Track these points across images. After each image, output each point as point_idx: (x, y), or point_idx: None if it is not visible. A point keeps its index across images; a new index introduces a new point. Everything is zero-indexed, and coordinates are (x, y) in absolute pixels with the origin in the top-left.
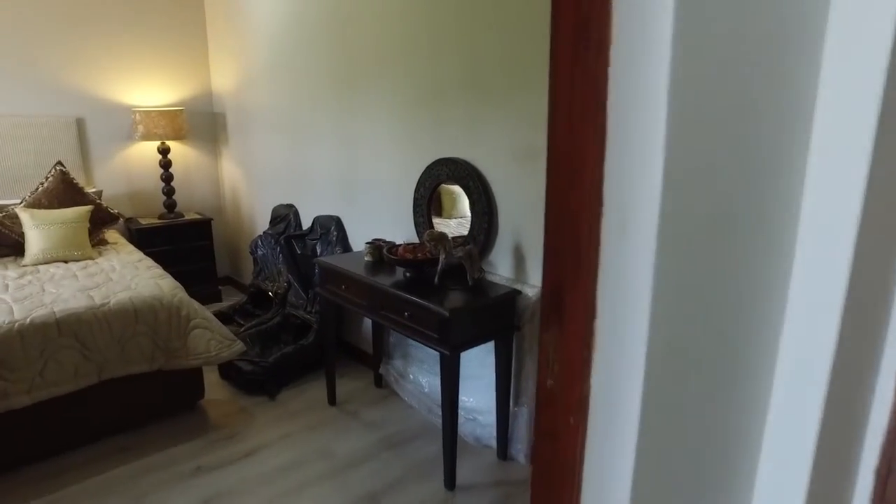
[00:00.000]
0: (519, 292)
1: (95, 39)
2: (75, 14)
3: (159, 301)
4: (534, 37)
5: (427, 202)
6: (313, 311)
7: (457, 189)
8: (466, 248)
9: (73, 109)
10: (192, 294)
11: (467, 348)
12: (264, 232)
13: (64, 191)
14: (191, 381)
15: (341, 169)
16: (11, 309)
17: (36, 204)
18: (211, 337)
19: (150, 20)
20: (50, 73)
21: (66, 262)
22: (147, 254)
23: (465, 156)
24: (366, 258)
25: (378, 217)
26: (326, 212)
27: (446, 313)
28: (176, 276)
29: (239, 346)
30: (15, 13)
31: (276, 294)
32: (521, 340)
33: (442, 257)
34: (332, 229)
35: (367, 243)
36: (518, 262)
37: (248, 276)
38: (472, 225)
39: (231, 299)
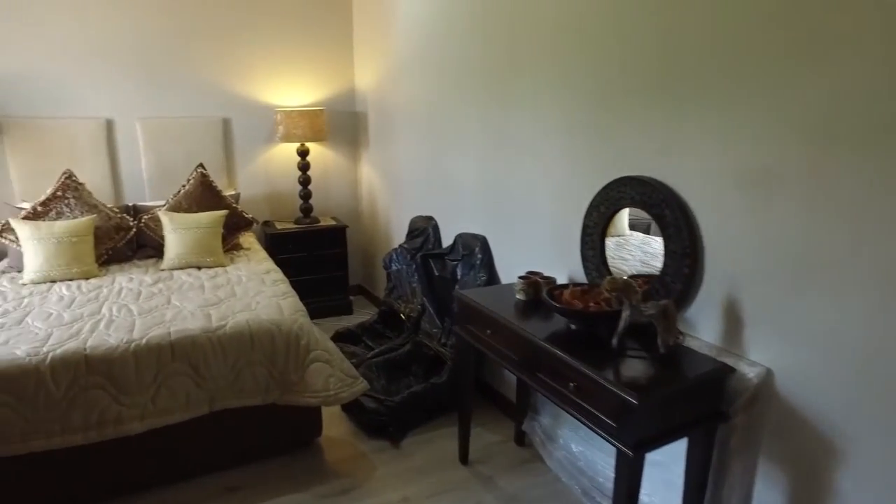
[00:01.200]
0: (732, 369)
1: (244, 39)
2: (226, 16)
3: (278, 327)
4: (768, 6)
5: (601, 232)
6: (449, 343)
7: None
8: (661, 305)
9: (220, 110)
10: (322, 304)
11: (656, 447)
12: (400, 245)
13: (202, 194)
14: (308, 416)
15: (491, 180)
16: (133, 325)
17: (176, 207)
18: (331, 373)
19: (298, 14)
20: (199, 74)
21: (199, 268)
22: (279, 260)
23: (661, 175)
24: (517, 295)
25: (534, 243)
26: (471, 229)
27: (632, 398)
28: (307, 284)
29: (361, 385)
30: (167, 18)
31: (408, 317)
32: (727, 434)
33: (626, 314)
34: (476, 251)
35: (521, 278)
36: (731, 325)
37: (380, 288)
38: (664, 268)
39: (362, 312)
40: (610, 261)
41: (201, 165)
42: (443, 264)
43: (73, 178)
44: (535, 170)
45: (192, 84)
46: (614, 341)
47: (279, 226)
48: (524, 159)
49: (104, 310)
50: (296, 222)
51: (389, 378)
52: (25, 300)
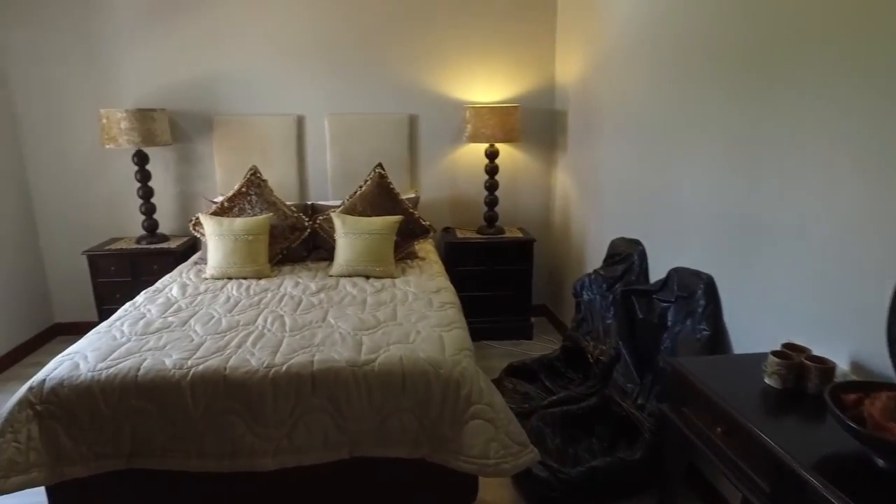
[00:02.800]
0: None
1: (436, 32)
2: (418, 9)
3: (436, 369)
4: None
5: None
6: (647, 404)
7: None
8: None
9: (408, 106)
10: (499, 325)
11: None
12: (595, 271)
13: (378, 196)
14: (462, 475)
15: (728, 202)
16: (280, 344)
17: (351, 209)
18: (494, 436)
19: (494, 4)
20: (388, 69)
21: (367, 277)
22: (456, 272)
23: None
24: (767, 379)
25: (794, 299)
26: (692, 264)
27: None
28: (484, 301)
29: (529, 456)
30: (360, 14)
31: (596, 360)
32: None
33: None
34: (697, 294)
35: (776, 354)
36: None
37: (568, 313)
38: None
39: (543, 339)
40: None
41: (380, 166)
42: (649, 303)
43: (258, 175)
44: (802, 192)
45: (381, 79)
46: None
47: (460, 234)
48: (784, 176)
49: (260, 319)
50: (478, 231)
51: (566, 437)
52: (199, 297)
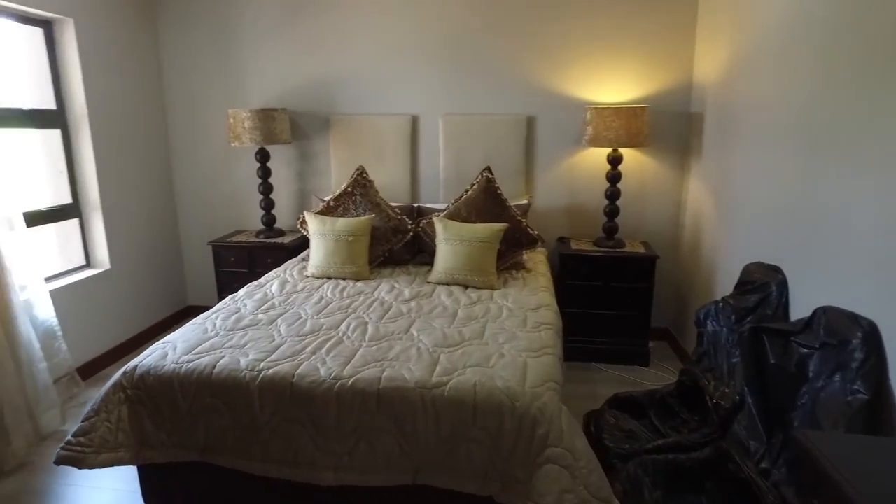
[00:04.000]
0: None
1: (557, 28)
2: (538, 3)
3: (511, 402)
4: None
5: None
6: (773, 471)
7: None
8: None
9: (525, 107)
10: (612, 347)
11: None
12: (724, 298)
13: (484, 201)
14: None
15: None
16: (354, 355)
17: (454, 214)
18: (570, 487)
19: None
20: (505, 67)
21: (465, 287)
22: (568, 286)
23: None
24: None
25: None
26: (849, 305)
27: None
28: (597, 319)
29: None
30: (477, 12)
31: (716, 405)
32: None
33: None
34: (852, 345)
35: None
36: None
37: (689, 340)
38: None
39: (661, 367)
40: None
41: (488, 169)
42: (785, 346)
43: (364, 175)
44: None
45: (498, 79)
46: None
47: (574, 245)
48: None
49: (343, 325)
50: (595, 243)
51: (669, 492)
52: (294, 295)
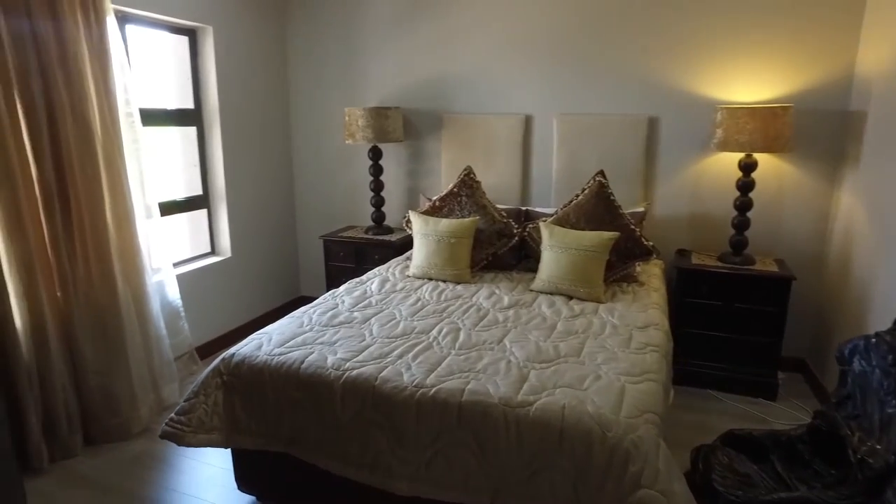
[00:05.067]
0: None
1: (687, 19)
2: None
3: (602, 431)
4: None
5: None
6: None
7: None
8: None
9: (647, 107)
10: (734, 376)
11: None
12: (878, 334)
13: (595, 207)
14: None
15: None
16: (440, 363)
17: (562, 220)
18: None
19: None
20: (626, 64)
21: (569, 297)
22: (687, 304)
23: None
24: None
25: None
26: None
27: None
28: (718, 343)
29: None
30: (591, 3)
31: (861, 461)
32: None
33: None
34: None
35: None
36: None
37: (830, 376)
38: None
39: (791, 403)
40: None
41: (601, 173)
42: None
43: (471, 176)
44: None
45: (618, 76)
46: None
47: (696, 259)
48: None
49: (435, 330)
50: (720, 259)
51: None
52: (392, 295)
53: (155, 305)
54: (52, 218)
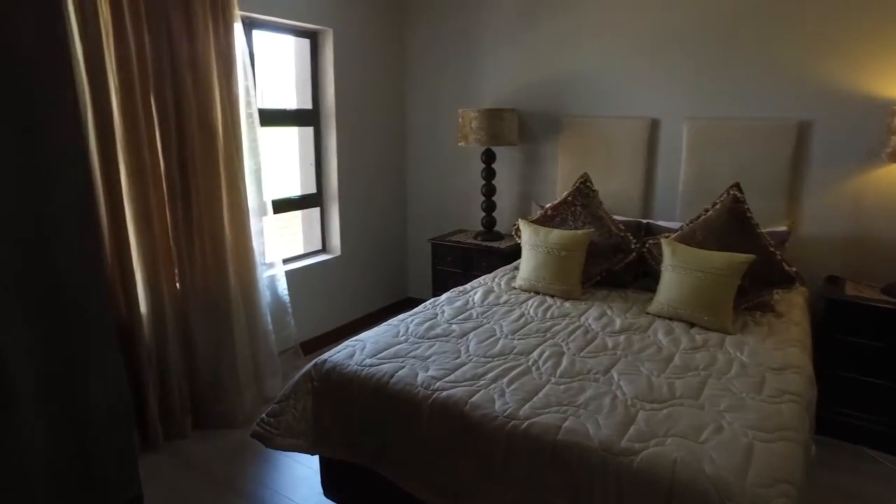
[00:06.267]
0: None
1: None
2: None
3: (721, 497)
4: None
5: None
6: None
7: None
8: None
9: (797, 110)
10: None
11: None
12: None
13: (727, 224)
14: None
15: None
16: (538, 390)
17: (687, 237)
18: None
19: None
20: (772, 60)
21: (690, 325)
22: (835, 342)
23: None
24: None
25: None
26: None
27: None
28: (880, 392)
29: None
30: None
31: None
32: None
33: None
34: None
35: None
36: None
37: None
38: None
39: None
40: None
41: (736, 186)
42: None
43: (587, 184)
44: None
45: (760, 74)
46: None
47: (851, 289)
48: None
49: (536, 352)
50: (885, 291)
51: None
52: (495, 308)
53: (263, 300)
54: (175, 212)
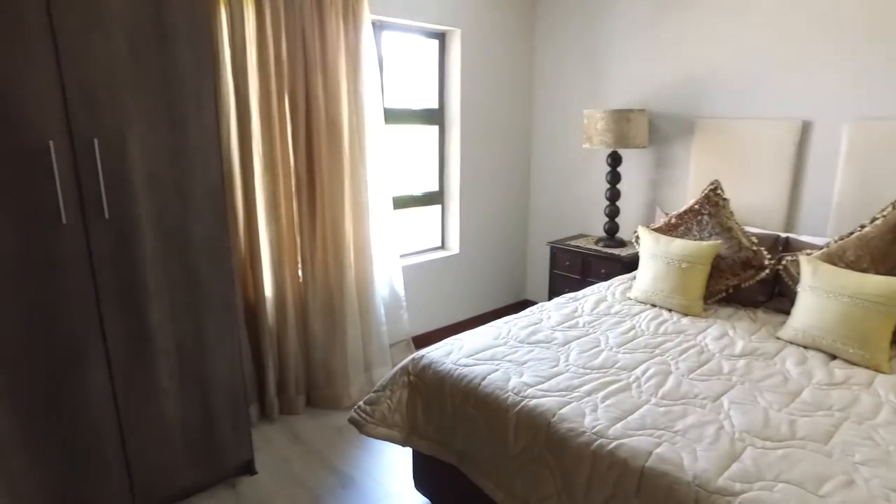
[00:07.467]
0: None
1: None
2: None
3: None
4: None
5: None
6: None
7: None
8: None
9: None
10: None
11: None
12: None
13: (889, 244)
14: None
15: None
16: (634, 410)
17: (836, 255)
18: None
19: None
20: None
21: (831, 357)
22: None
23: None
24: None
25: None
26: None
27: None
28: None
29: None
30: None
31: None
32: None
33: None
34: None
35: None
36: None
37: None
38: None
39: None
40: None
41: None
42: None
43: (717, 192)
44: None
45: None
46: None
47: None
48: None
49: (640, 368)
50: None
51: None
52: (605, 318)
53: (378, 294)
54: (301, 205)
